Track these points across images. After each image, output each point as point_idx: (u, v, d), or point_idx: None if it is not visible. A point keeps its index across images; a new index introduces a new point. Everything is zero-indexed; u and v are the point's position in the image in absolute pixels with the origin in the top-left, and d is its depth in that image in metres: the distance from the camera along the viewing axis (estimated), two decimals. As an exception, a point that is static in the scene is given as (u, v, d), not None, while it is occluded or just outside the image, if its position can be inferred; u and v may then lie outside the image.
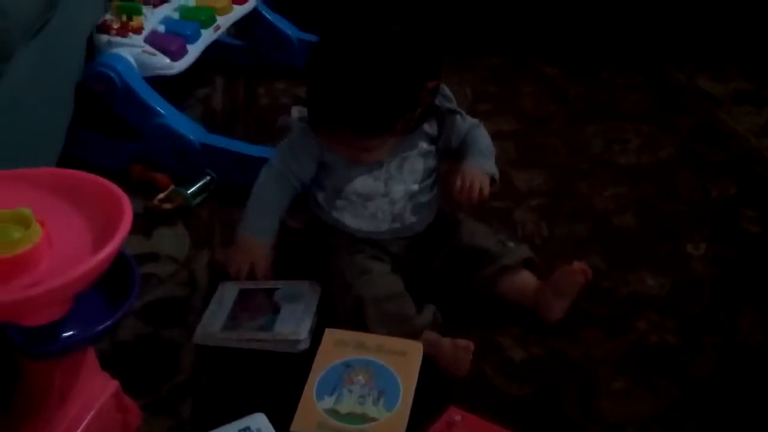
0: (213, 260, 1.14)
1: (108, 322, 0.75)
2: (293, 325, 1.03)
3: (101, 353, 0.83)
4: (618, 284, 1.12)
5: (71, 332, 0.74)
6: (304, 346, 1.02)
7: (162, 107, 1.32)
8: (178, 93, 1.53)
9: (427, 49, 0.98)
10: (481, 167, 1.05)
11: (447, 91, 1.07)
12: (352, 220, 1.07)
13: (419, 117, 1.01)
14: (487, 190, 1.04)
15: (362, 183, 1.06)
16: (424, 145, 1.07)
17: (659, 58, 1.80)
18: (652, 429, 0.91)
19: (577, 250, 1.19)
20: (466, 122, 1.09)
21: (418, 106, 0.99)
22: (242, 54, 1.76)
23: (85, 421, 0.78)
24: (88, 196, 0.76)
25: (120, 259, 0.74)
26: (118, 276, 0.77)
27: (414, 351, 0.97)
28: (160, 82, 1.36)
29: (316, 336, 1.01)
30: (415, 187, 1.07)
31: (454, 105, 1.08)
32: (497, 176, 1.07)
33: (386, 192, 1.06)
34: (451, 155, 1.10)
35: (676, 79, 1.72)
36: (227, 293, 1.10)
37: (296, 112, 1.08)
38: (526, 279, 1.07)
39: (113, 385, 0.82)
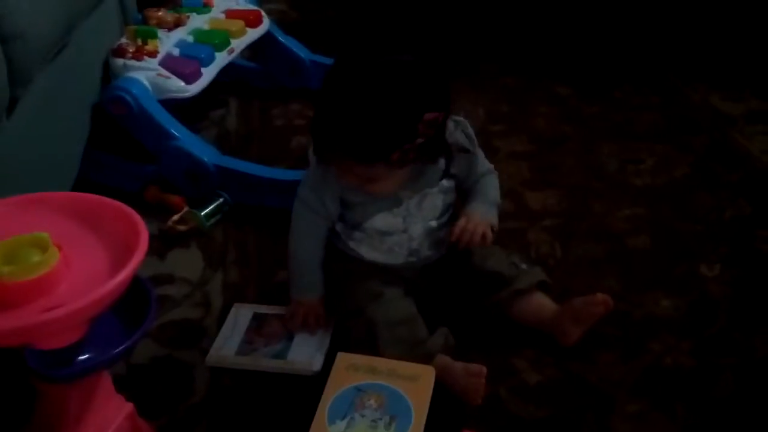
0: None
1: (124, 346, 0.75)
2: (308, 355, 1.04)
3: (116, 375, 0.84)
4: (633, 306, 1.11)
5: (87, 355, 0.74)
6: (317, 369, 1.02)
7: (177, 130, 1.33)
8: (193, 115, 1.54)
9: (430, 80, 0.96)
10: (484, 216, 1.05)
11: (470, 130, 1.06)
12: (368, 252, 1.07)
13: (420, 149, 0.97)
14: (489, 237, 1.04)
15: (382, 220, 1.05)
16: (444, 183, 1.06)
17: (673, 77, 1.80)
18: (670, 453, 0.90)
19: (591, 271, 1.18)
20: (483, 166, 1.09)
21: (417, 137, 0.96)
22: (256, 76, 1.77)
23: (100, 444, 0.78)
24: (105, 220, 0.76)
25: (136, 283, 0.74)
26: (134, 299, 0.77)
27: (426, 375, 0.97)
28: (175, 105, 1.37)
29: (328, 359, 1.01)
30: (434, 223, 1.07)
31: (474, 147, 1.07)
32: (496, 227, 1.06)
33: (405, 228, 1.06)
34: (460, 193, 1.09)
35: (689, 99, 1.71)
36: (241, 316, 1.11)
37: (312, 153, 1.07)
38: (541, 302, 1.06)
39: (128, 407, 0.82)
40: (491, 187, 1.09)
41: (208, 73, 1.40)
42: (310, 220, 1.07)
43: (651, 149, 1.51)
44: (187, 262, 1.22)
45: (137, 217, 0.75)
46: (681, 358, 1.02)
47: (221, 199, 1.31)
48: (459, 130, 1.05)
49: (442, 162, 1.05)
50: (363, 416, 0.93)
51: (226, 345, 1.06)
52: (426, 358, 0.99)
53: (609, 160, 1.48)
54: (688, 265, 1.19)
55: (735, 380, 0.99)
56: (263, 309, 1.11)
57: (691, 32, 1.88)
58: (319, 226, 1.07)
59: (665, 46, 1.90)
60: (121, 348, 0.75)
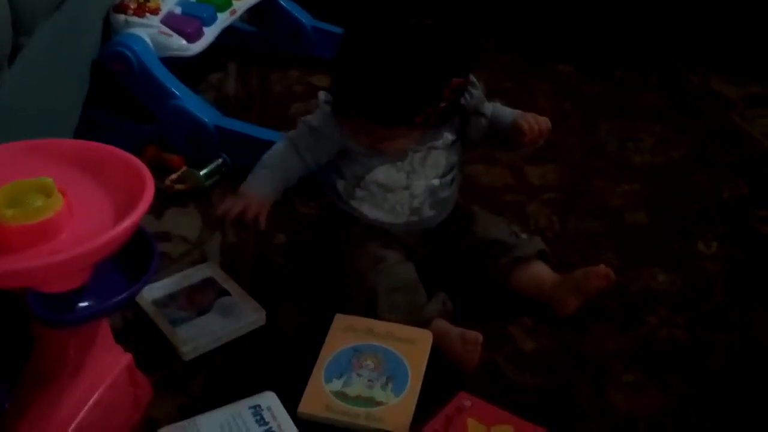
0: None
1: (126, 294, 0.75)
2: (191, 336, 0.99)
3: (113, 329, 0.83)
4: (630, 280, 1.11)
5: (88, 303, 0.74)
6: (184, 350, 0.98)
7: (177, 89, 1.32)
8: (191, 78, 1.52)
9: (458, 44, 0.96)
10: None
11: (478, 87, 1.05)
12: (370, 210, 1.07)
13: (442, 113, 0.99)
14: (548, 121, 1.03)
15: (384, 173, 1.04)
16: (449, 137, 1.05)
17: (673, 59, 1.80)
18: (664, 423, 0.91)
19: (589, 245, 1.19)
20: (489, 105, 1.08)
21: (441, 101, 0.97)
22: (256, 41, 1.75)
23: (98, 393, 0.78)
24: (110, 169, 0.76)
25: (139, 235, 0.74)
26: (136, 251, 0.77)
27: (423, 339, 0.98)
28: (174, 66, 1.36)
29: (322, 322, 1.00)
30: (436, 182, 1.06)
31: (478, 96, 1.05)
32: None
33: (407, 185, 1.05)
34: (482, 138, 1.07)
35: (689, 81, 1.71)
36: (200, 273, 1.09)
37: (323, 95, 1.06)
38: (540, 270, 1.06)
39: (126, 358, 0.82)
40: (506, 109, 1.07)
41: (210, 33, 1.38)
42: (295, 145, 1.06)
43: (650, 129, 1.52)
44: (185, 222, 1.21)
45: (143, 167, 0.74)
46: (676, 332, 1.03)
47: (220, 160, 1.30)
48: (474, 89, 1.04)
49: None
50: (360, 376, 0.94)
51: (157, 287, 1.05)
52: (423, 324, 0.99)
53: (608, 139, 1.48)
54: (685, 242, 1.20)
55: (729, 355, 1.00)
56: (222, 282, 1.08)
57: (692, 15, 1.87)
58: (301, 157, 1.06)
59: (666, 28, 1.89)
60: (122, 296, 0.74)
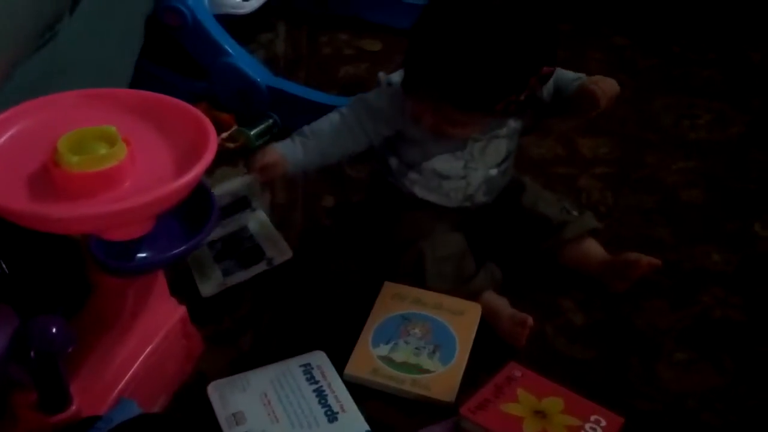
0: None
1: (185, 247, 0.75)
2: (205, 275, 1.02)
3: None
4: (683, 258, 1.09)
5: (149, 253, 0.74)
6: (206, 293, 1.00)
7: (231, 46, 1.31)
8: (240, 36, 1.51)
9: (551, 30, 0.91)
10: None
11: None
12: (421, 191, 1.04)
13: (522, 103, 0.92)
14: (615, 83, 0.98)
15: (442, 162, 1.01)
16: (512, 124, 1.02)
17: (733, 35, 1.75)
18: (714, 402, 0.89)
19: (643, 220, 1.16)
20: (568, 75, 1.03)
21: (526, 90, 0.90)
22: (306, 1, 1.74)
23: (153, 343, 0.79)
24: (172, 121, 0.75)
25: (199, 189, 0.74)
26: (194, 205, 0.77)
27: (472, 312, 0.97)
28: (227, 23, 1.35)
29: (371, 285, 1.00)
30: (494, 171, 1.04)
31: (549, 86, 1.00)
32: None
33: (464, 175, 1.02)
34: (545, 112, 1.05)
35: (749, 58, 1.66)
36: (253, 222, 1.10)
37: (384, 76, 1.01)
38: (589, 249, 1.04)
39: (181, 310, 0.83)
40: (567, 72, 1.02)
41: (265, -8, 1.37)
42: (348, 123, 1.00)
43: (707, 106, 1.48)
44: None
45: (205, 120, 0.74)
46: (730, 312, 1.01)
47: (271, 120, 1.29)
48: None
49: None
50: (407, 343, 0.94)
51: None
52: (471, 295, 0.99)
53: (664, 113, 1.45)
54: (740, 223, 1.17)
55: (784, 338, 0.98)
56: (269, 248, 1.07)
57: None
58: (353, 135, 1.00)
59: (728, 3, 1.84)
60: (183, 248, 0.75)
